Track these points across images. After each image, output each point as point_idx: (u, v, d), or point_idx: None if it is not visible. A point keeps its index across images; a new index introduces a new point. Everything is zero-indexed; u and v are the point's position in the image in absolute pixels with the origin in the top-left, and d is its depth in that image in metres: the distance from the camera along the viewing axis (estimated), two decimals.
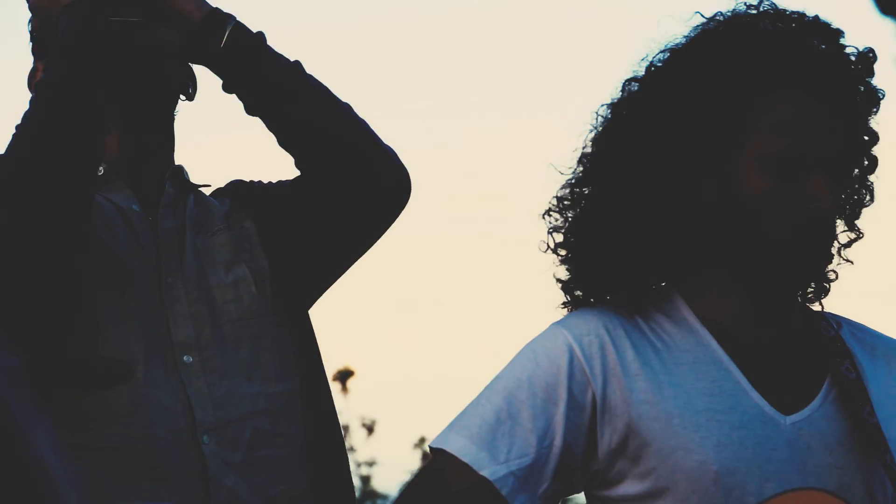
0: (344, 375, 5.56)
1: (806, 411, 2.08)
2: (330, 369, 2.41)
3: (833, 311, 2.24)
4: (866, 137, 2.16)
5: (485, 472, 2.08)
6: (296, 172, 2.38)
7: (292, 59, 2.34)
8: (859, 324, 2.26)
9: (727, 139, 2.11)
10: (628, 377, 2.08)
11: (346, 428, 5.75)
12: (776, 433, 2.06)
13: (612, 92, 2.25)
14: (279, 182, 2.44)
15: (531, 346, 2.16)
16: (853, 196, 2.19)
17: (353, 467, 5.79)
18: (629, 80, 2.21)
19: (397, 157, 2.37)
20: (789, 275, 2.11)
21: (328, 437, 2.42)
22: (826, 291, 2.22)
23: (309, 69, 2.38)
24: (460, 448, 2.11)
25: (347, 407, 5.65)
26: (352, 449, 5.79)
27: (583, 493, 2.20)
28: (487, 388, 2.16)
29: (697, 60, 2.15)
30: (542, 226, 2.25)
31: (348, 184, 2.34)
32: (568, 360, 2.10)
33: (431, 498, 2.14)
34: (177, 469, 2.22)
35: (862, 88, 2.14)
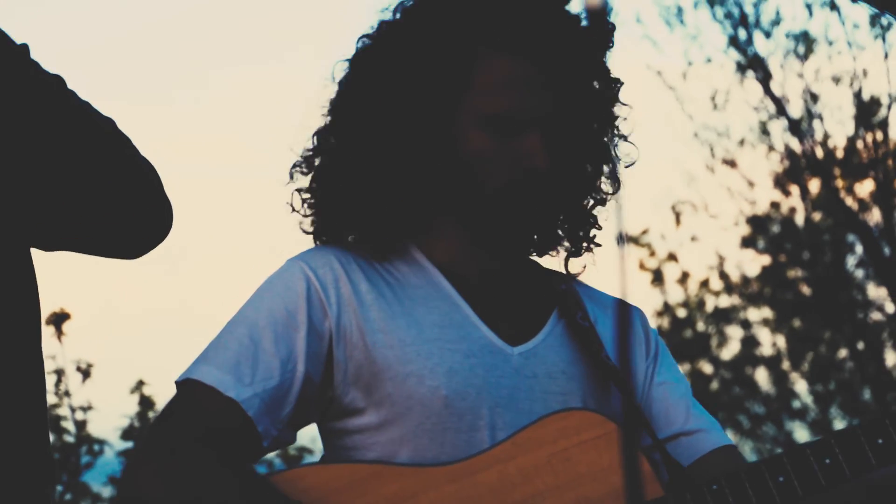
0: (59, 319, 5.37)
1: (531, 344, 2.21)
2: (45, 312, 2.29)
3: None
4: (595, 100, 2.25)
5: (231, 394, 2.12)
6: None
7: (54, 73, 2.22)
8: (590, 286, 2.39)
9: (447, 98, 2.20)
10: (363, 307, 2.16)
11: (61, 372, 5.56)
12: (504, 362, 2.17)
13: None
14: None
15: (270, 279, 2.22)
16: (593, 158, 2.28)
17: (68, 412, 5.68)
18: (364, 36, 2.26)
19: (161, 189, 2.29)
20: (507, 227, 2.21)
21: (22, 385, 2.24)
22: (557, 244, 2.31)
23: None
24: (206, 375, 2.14)
25: (63, 351, 5.46)
26: (67, 394, 5.61)
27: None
28: (230, 322, 2.21)
29: (420, 20, 2.24)
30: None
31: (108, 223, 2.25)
32: (306, 289, 2.17)
33: (180, 424, 2.14)
34: None
35: (588, 50, 2.24)
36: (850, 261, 9.59)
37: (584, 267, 2.34)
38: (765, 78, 9.08)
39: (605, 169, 2.31)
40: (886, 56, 8.84)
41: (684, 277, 10.11)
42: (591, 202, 2.31)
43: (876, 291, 9.43)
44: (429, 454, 2.13)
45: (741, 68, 9.19)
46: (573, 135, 2.22)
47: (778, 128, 9.23)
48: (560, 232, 2.31)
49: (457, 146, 2.19)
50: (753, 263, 10.07)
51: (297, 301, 2.17)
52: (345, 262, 2.21)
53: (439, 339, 2.17)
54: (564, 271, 2.34)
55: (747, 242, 9.89)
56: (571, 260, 2.33)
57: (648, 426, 2.21)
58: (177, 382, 2.17)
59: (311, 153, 2.28)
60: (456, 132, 2.19)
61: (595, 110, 2.26)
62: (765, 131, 9.24)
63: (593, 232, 2.33)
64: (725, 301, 10.09)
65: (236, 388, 2.13)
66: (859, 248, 9.46)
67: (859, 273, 9.56)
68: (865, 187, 9.20)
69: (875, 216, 9.17)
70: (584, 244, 2.32)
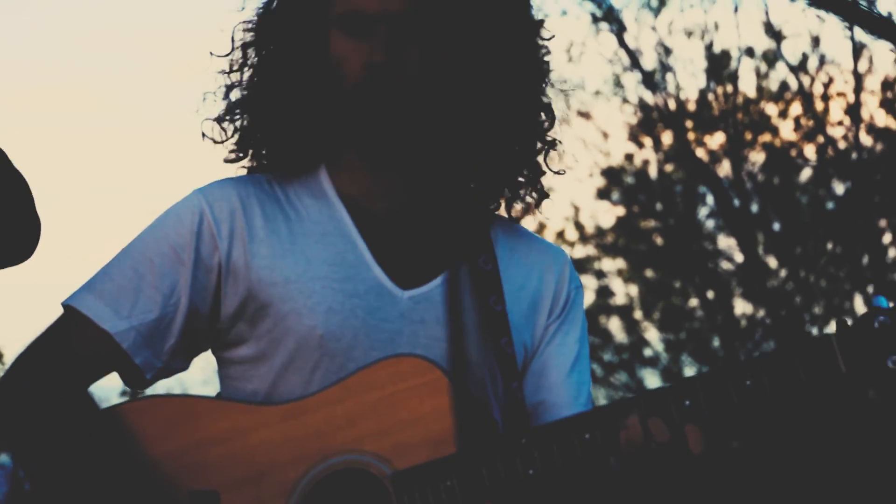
0: None
1: (425, 288, 2.25)
2: None
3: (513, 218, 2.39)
4: (487, 22, 2.25)
5: (106, 326, 2.20)
6: None
7: None
8: (521, 227, 2.42)
9: (316, 6, 2.26)
10: (254, 242, 2.23)
11: None
12: (391, 305, 2.23)
13: None
14: None
15: (167, 211, 2.29)
16: (504, 90, 2.25)
17: None
18: None
19: (32, 204, 2.26)
20: (361, 128, 2.23)
21: None
22: (490, 187, 2.31)
23: None
24: (86, 304, 2.22)
25: None
26: None
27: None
28: (122, 250, 2.29)
29: None
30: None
31: None
32: (198, 223, 2.24)
33: (54, 352, 2.24)
34: None
35: None
36: (702, 212, 9.80)
37: (522, 209, 2.36)
38: (619, 31, 9.24)
39: (533, 111, 2.30)
40: (736, 10, 9.08)
41: (540, 228, 10.25)
42: (525, 146, 2.31)
43: (726, 242, 9.65)
44: (297, 391, 2.20)
45: (596, 21, 9.32)
46: (447, 40, 2.23)
47: (632, 80, 9.41)
48: (496, 177, 2.30)
49: (327, 51, 2.25)
50: (608, 214, 10.24)
51: (186, 235, 2.23)
52: (245, 196, 2.26)
53: (325, 278, 2.22)
54: (506, 214, 2.36)
55: (602, 194, 10.03)
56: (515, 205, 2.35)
57: (513, 372, 2.25)
58: (63, 304, 2.24)
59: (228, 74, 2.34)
60: (327, 37, 2.25)
61: (489, 31, 2.26)
62: (619, 84, 9.40)
63: (531, 177, 2.33)
64: (580, 251, 10.23)
65: (112, 320, 2.20)
66: (710, 200, 9.67)
67: (710, 224, 9.77)
68: (716, 140, 9.43)
69: (725, 168, 9.42)
70: (523, 190, 2.33)
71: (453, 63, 2.23)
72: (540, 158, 2.35)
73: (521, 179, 2.33)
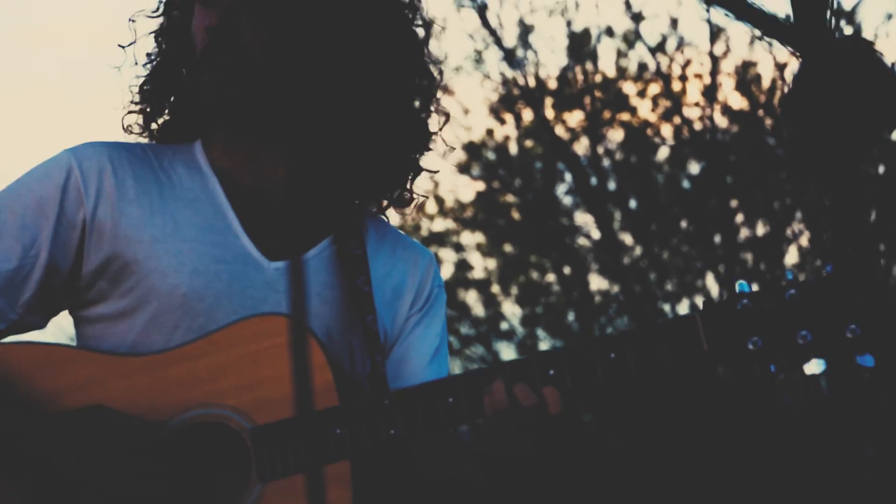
0: None
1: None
2: None
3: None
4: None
5: None
6: None
7: None
8: (391, 225, 2.48)
9: None
10: (123, 201, 2.24)
11: None
12: (256, 274, 2.26)
13: None
14: None
15: (37, 166, 2.31)
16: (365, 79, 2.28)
17: None
18: None
19: None
20: (203, 104, 2.28)
21: None
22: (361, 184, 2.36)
23: None
24: None
25: None
26: None
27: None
28: None
29: None
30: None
31: None
32: (64, 179, 2.27)
33: None
34: None
35: None
36: (560, 188, 9.94)
37: (386, 205, 2.43)
38: (481, 7, 9.30)
39: (406, 103, 2.35)
40: None
41: None
42: (397, 146, 2.35)
43: (583, 218, 9.80)
44: (155, 349, 2.21)
45: None
46: (298, 15, 2.21)
47: (493, 57, 9.48)
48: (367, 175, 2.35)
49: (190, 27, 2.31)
50: (468, 189, 10.33)
51: (52, 190, 2.25)
52: (117, 157, 2.28)
53: (193, 241, 2.24)
54: (375, 209, 2.43)
55: (463, 169, 10.11)
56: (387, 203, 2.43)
57: (377, 347, 2.30)
58: None
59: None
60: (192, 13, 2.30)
61: (352, 14, 2.28)
62: (480, 60, 9.47)
63: (401, 178, 2.39)
64: (440, 225, 10.31)
65: None
66: (568, 177, 9.80)
67: (568, 200, 9.92)
68: (575, 118, 9.57)
69: (583, 146, 9.56)
70: (393, 190, 2.40)
71: (306, 41, 2.24)
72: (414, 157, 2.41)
73: (392, 176, 2.39)
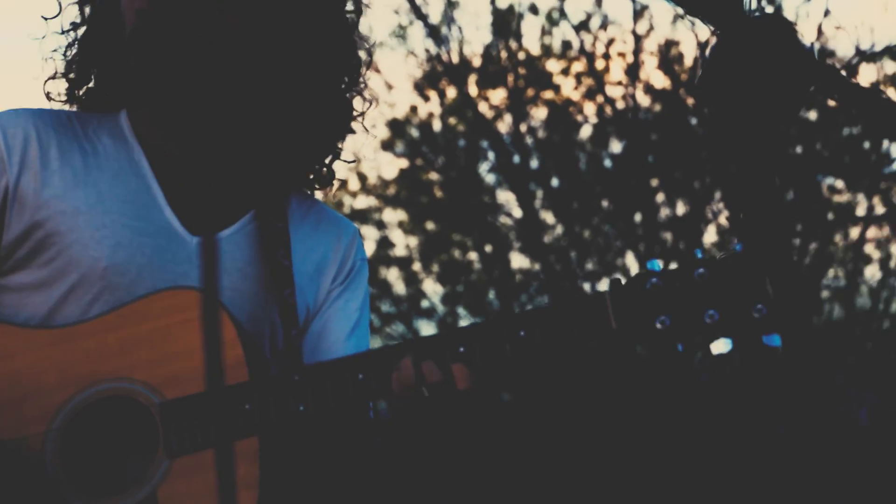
0: None
1: (216, 236, 2.29)
2: None
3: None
4: None
5: None
6: None
7: None
8: (315, 199, 2.47)
9: None
10: (46, 171, 2.21)
11: None
12: (179, 248, 2.25)
13: None
14: None
15: None
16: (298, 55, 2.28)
17: None
18: None
19: None
20: (133, 76, 2.25)
21: None
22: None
23: None
24: None
25: None
26: None
27: None
28: None
29: None
30: None
31: None
32: None
33: None
34: None
35: None
36: (483, 166, 9.96)
37: (309, 182, 2.42)
38: None
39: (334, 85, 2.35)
40: None
41: None
42: (322, 126, 2.36)
43: (505, 196, 9.83)
44: (72, 321, 2.20)
45: None
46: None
47: (418, 33, 9.47)
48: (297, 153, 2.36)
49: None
50: (391, 166, 10.31)
51: None
52: (42, 126, 2.27)
53: (116, 213, 2.23)
54: (300, 185, 2.43)
55: (386, 146, 10.10)
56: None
57: (292, 321, 2.29)
58: None
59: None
60: None
61: None
62: (403, 36, 9.46)
63: (322, 156, 2.39)
64: (362, 202, 10.30)
65: None
66: (491, 155, 9.83)
67: (490, 178, 9.95)
68: (499, 95, 9.58)
69: (507, 124, 9.58)
70: (314, 168, 2.40)
71: (233, 21, 2.22)
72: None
73: (314, 154, 2.40)
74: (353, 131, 2.42)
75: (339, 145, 2.42)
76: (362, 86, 2.41)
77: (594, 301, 2.11)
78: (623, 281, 2.14)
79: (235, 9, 2.21)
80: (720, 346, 2.09)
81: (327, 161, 2.43)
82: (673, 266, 2.12)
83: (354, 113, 2.41)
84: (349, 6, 2.40)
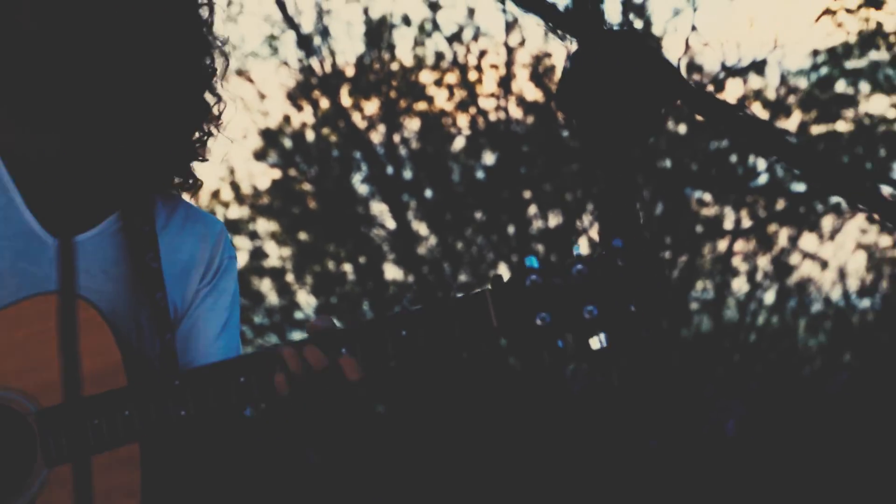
0: None
1: (78, 238, 2.27)
2: None
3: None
4: None
5: None
6: None
7: None
8: (181, 198, 2.47)
9: None
10: None
11: None
12: (40, 251, 2.22)
13: None
14: None
15: None
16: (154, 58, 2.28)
17: None
18: None
19: None
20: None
21: None
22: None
23: None
24: None
25: None
26: None
27: None
28: None
29: None
30: None
31: None
32: None
33: None
34: None
35: None
36: (356, 177, 9.95)
37: (175, 185, 2.41)
38: None
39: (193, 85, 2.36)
40: None
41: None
42: (178, 125, 2.36)
43: (378, 207, 9.84)
44: None
45: None
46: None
47: (290, 42, 9.44)
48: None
49: None
50: (264, 176, 10.24)
51: None
52: None
53: None
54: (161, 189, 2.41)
55: (259, 156, 10.03)
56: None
57: (166, 325, 2.29)
58: None
59: None
60: None
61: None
62: (274, 46, 9.42)
63: (181, 158, 2.39)
64: (235, 212, 10.22)
65: None
66: (365, 166, 9.83)
67: (364, 189, 9.94)
68: (372, 106, 9.60)
69: (380, 134, 9.60)
70: (174, 170, 2.40)
71: (82, 18, 2.20)
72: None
73: (172, 155, 2.39)
74: (211, 134, 2.42)
75: (200, 148, 2.41)
76: (220, 87, 2.41)
77: (476, 299, 2.14)
78: (503, 278, 2.17)
79: (82, 4, 2.19)
80: (598, 342, 2.12)
81: (188, 162, 2.42)
82: (550, 263, 2.15)
83: (211, 113, 2.41)
84: (203, 9, 2.39)
